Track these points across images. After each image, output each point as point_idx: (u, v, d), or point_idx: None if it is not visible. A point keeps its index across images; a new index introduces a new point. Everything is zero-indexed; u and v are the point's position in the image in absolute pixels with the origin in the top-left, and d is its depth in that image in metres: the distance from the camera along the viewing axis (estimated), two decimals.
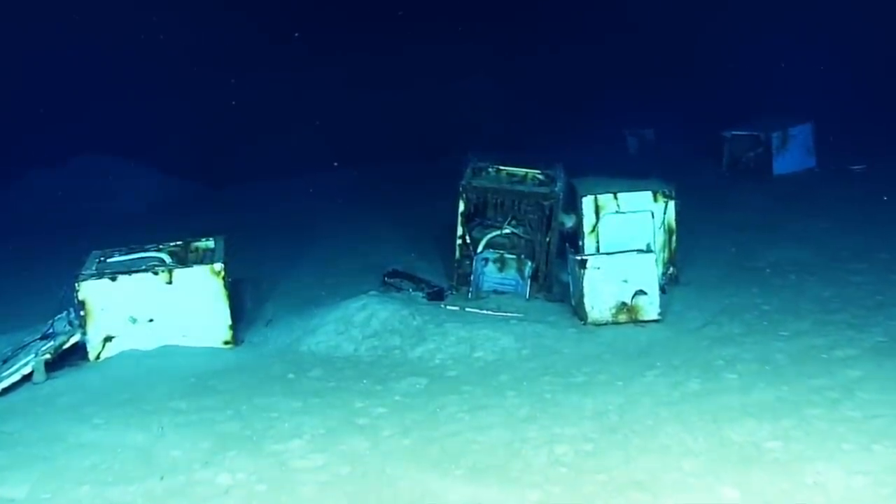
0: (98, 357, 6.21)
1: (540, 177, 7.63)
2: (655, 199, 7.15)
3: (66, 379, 5.91)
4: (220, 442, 4.78)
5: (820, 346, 5.48)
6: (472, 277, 7.20)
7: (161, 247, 7.02)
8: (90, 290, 6.20)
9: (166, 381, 5.73)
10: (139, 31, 13.26)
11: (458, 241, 7.33)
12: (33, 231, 11.16)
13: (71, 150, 12.89)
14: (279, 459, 4.54)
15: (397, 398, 5.28)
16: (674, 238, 7.22)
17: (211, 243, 7.08)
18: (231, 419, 5.09)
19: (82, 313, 6.19)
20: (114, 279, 6.25)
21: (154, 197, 12.57)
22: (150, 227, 10.26)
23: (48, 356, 5.98)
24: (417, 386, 5.46)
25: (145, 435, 4.89)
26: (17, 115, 12.24)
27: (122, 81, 13.12)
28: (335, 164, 12.84)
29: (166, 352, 6.22)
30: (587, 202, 7.11)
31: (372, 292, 7.06)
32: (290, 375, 5.80)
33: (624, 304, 6.33)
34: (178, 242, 7.13)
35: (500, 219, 7.34)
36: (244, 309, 7.27)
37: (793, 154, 11.30)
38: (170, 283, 6.33)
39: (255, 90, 13.66)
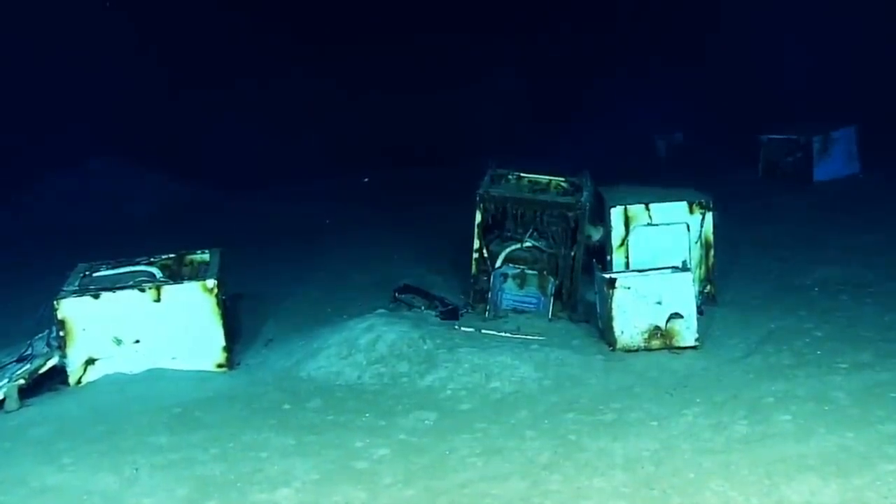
0: (79, 382, 5.69)
1: (564, 185, 7.03)
2: (691, 211, 6.53)
3: (41, 407, 5.39)
4: (199, 488, 4.23)
5: (886, 383, 4.80)
6: (489, 294, 6.61)
7: (152, 260, 6.51)
8: (70, 309, 5.68)
9: (149, 411, 5.19)
10: (152, 35, 12.91)
11: (475, 255, 6.74)
12: (43, 237, 10.73)
13: (82, 155, 12.53)
14: None
15: (402, 437, 4.69)
16: (711, 253, 6.59)
17: (206, 256, 6.56)
18: (215, 460, 4.53)
19: (62, 334, 5.67)
20: (96, 297, 5.73)
21: (164, 202, 12.16)
22: (158, 233, 9.86)
23: (22, 381, 5.47)
24: (426, 422, 4.86)
25: (117, 478, 4.35)
26: (29, 119, 11.94)
27: (134, 85, 12.80)
28: (365, 179, 12.36)
29: (153, 376, 5.69)
30: (616, 213, 6.50)
31: (380, 311, 6.49)
32: (286, 406, 5.23)
33: (657, 328, 5.69)
34: (171, 255, 6.62)
35: (520, 231, 6.74)
36: (242, 327, 6.72)
37: (835, 159, 10.59)
38: (158, 300, 5.80)
39: (267, 94, 13.27)
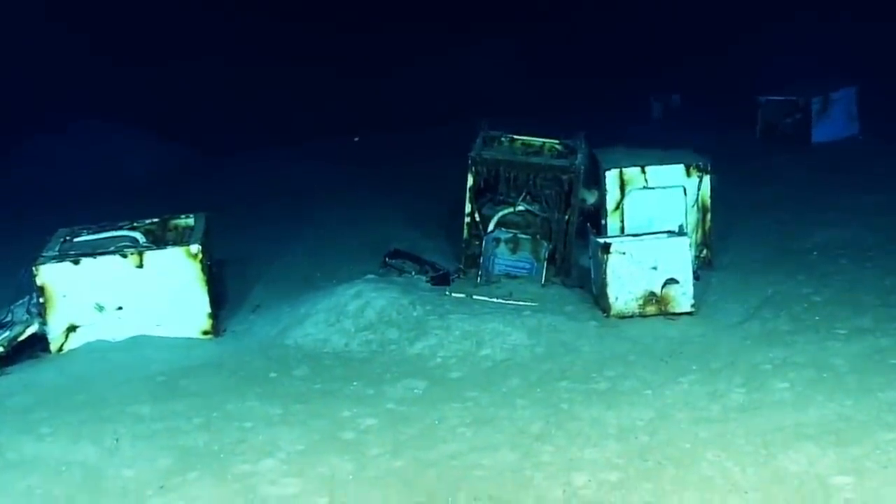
0: (61, 349, 5.56)
1: (559, 147, 6.85)
2: (688, 174, 6.38)
3: (21, 375, 5.25)
4: (182, 459, 4.11)
5: (887, 349, 4.68)
6: (481, 259, 6.47)
7: (135, 225, 6.33)
8: (50, 275, 5.53)
9: (131, 379, 5.06)
10: None
11: (467, 219, 6.59)
12: (29, 201, 10.52)
13: (70, 116, 12.28)
14: (246, 484, 3.85)
15: (390, 406, 4.57)
16: (708, 217, 6.46)
17: (191, 220, 6.39)
18: (198, 430, 4.40)
19: (41, 300, 5.52)
20: (76, 262, 5.58)
21: (155, 164, 11.92)
22: (146, 196, 9.65)
23: (1, 349, 5.35)
24: (415, 391, 4.74)
25: (97, 449, 4.22)
26: (15, 81, 11.66)
27: (123, 45, 12.50)
28: (356, 138, 12.17)
29: (137, 343, 5.56)
30: (611, 176, 6.35)
31: (369, 276, 6.35)
32: (272, 374, 5.10)
33: (652, 294, 5.56)
34: (155, 220, 6.45)
35: (513, 194, 6.57)
36: (229, 293, 6.57)
37: (834, 120, 10.40)
38: (140, 266, 5.65)
39: (259, 55, 12.99)
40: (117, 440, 4.29)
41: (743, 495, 3.47)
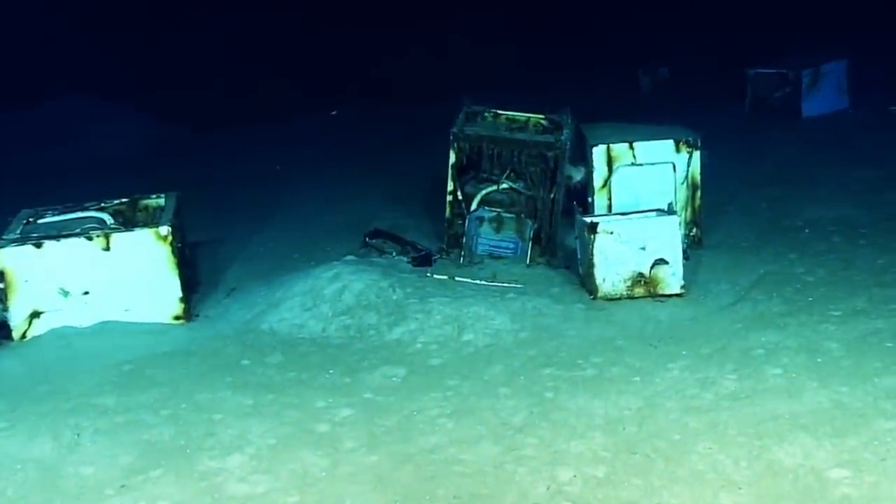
0: (24, 336, 5.32)
1: (544, 123, 6.60)
2: (678, 150, 6.16)
3: None
4: (145, 455, 3.90)
5: (882, 332, 4.50)
6: (464, 239, 6.25)
7: (104, 205, 6.08)
8: (10, 259, 5.28)
9: (97, 368, 4.83)
10: None
11: (449, 198, 6.35)
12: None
13: (45, 92, 11.91)
14: (212, 483, 3.65)
15: (367, 395, 4.37)
16: (698, 194, 6.26)
17: (162, 201, 6.14)
18: (164, 423, 4.19)
19: (2, 286, 5.27)
20: (39, 245, 5.33)
21: (134, 141, 11.59)
22: (124, 175, 9.30)
23: None
24: (393, 379, 4.54)
25: (55, 444, 4.00)
26: None
27: (101, 16, 12.13)
28: (333, 112, 11.89)
29: (104, 330, 5.33)
30: (598, 152, 6.13)
31: (348, 257, 6.14)
32: (245, 362, 4.89)
33: (641, 275, 5.37)
34: (124, 200, 6.20)
35: (497, 172, 6.33)
36: (203, 275, 6.34)
37: (824, 94, 10.18)
38: (107, 249, 5.40)
39: (243, 29, 12.66)
40: (78, 435, 4.07)
41: (736, 491, 3.30)
